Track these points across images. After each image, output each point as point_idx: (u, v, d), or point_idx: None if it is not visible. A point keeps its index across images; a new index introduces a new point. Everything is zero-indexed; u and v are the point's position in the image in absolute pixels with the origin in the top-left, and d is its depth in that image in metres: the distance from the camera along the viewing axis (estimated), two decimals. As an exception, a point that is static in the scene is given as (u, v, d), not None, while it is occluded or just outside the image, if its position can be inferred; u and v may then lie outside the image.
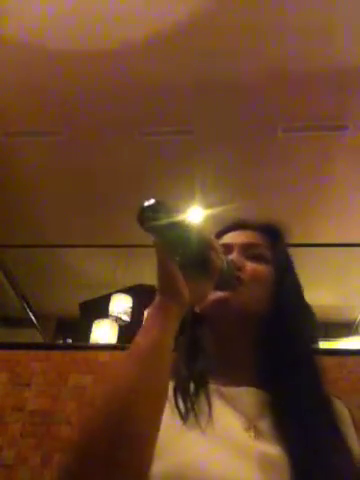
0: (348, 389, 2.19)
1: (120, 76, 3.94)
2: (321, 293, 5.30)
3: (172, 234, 0.65)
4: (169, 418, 0.67)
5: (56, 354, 2.45)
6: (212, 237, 0.72)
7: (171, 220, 0.65)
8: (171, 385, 0.73)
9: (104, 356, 2.40)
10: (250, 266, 0.81)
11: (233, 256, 0.82)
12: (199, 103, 4.13)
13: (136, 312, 4.12)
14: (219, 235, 0.90)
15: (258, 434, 0.69)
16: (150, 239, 0.67)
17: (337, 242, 4.87)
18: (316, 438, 0.68)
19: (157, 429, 0.59)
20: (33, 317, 5.53)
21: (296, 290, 0.87)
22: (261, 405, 0.73)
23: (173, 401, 0.71)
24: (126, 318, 4.20)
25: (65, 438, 2.08)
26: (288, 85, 3.92)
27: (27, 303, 5.53)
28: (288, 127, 4.28)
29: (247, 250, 0.84)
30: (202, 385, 0.75)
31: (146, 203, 0.64)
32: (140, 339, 0.64)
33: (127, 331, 3.99)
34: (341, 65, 3.74)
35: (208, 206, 4.77)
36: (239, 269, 0.79)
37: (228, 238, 0.88)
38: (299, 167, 4.62)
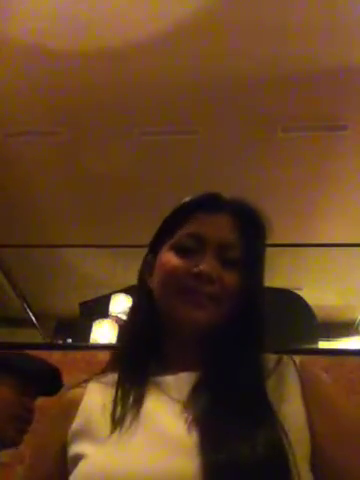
0: (348, 389, 2.18)
1: (121, 76, 3.93)
2: (321, 293, 5.30)
3: None
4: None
5: (56, 354, 2.45)
6: None
7: None
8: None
9: (104, 356, 2.39)
10: (226, 278, 0.75)
11: (207, 260, 0.74)
12: (198, 103, 4.13)
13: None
14: (190, 210, 0.80)
15: (191, 420, 0.67)
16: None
17: (337, 242, 4.86)
18: (230, 419, 0.65)
19: None
20: (33, 317, 5.53)
21: (260, 295, 0.80)
22: (195, 387, 0.71)
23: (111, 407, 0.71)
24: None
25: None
26: (288, 85, 3.92)
27: (27, 303, 5.53)
28: (288, 127, 4.28)
29: (222, 253, 0.76)
30: (141, 384, 0.73)
31: None
32: None
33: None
34: (341, 65, 3.74)
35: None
36: (212, 282, 0.73)
37: (202, 226, 0.78)
38: (299, 167, 4.62)
